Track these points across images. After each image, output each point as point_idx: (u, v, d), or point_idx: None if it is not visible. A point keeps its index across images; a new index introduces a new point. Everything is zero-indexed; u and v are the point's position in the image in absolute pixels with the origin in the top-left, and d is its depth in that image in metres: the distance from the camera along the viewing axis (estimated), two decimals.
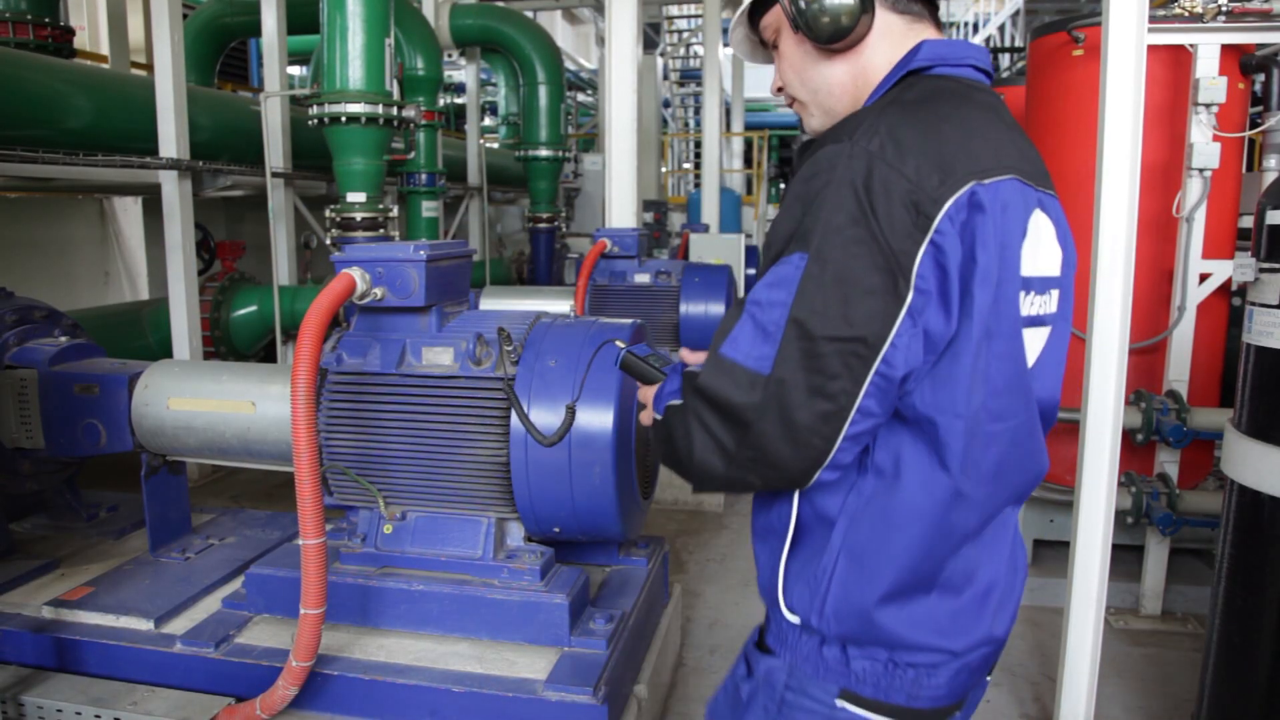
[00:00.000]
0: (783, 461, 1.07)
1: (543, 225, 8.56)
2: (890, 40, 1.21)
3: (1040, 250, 1.18)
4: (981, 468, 1.15)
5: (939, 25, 1.26)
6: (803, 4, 1.16)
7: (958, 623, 1.18)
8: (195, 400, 2.74)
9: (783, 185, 19.07)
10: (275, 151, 5.49)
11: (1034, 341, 1.21)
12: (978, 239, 1.07)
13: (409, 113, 4.74)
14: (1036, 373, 1.22)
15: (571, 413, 2.24)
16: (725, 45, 13.79)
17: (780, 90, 1.34)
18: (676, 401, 1.15)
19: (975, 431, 1.12)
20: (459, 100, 12.30)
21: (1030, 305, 1.18)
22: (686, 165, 20.23)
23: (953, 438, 1.11)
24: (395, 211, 4.93)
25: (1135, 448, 3.51)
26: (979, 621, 1.20)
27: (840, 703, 1.19)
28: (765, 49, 1.37)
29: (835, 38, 1.17)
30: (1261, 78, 3.64)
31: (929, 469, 1.13)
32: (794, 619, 1.20)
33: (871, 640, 1.17)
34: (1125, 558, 3.64)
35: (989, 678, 1.32)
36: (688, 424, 1.12)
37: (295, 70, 10.42)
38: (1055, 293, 1.24)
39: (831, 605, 1.17)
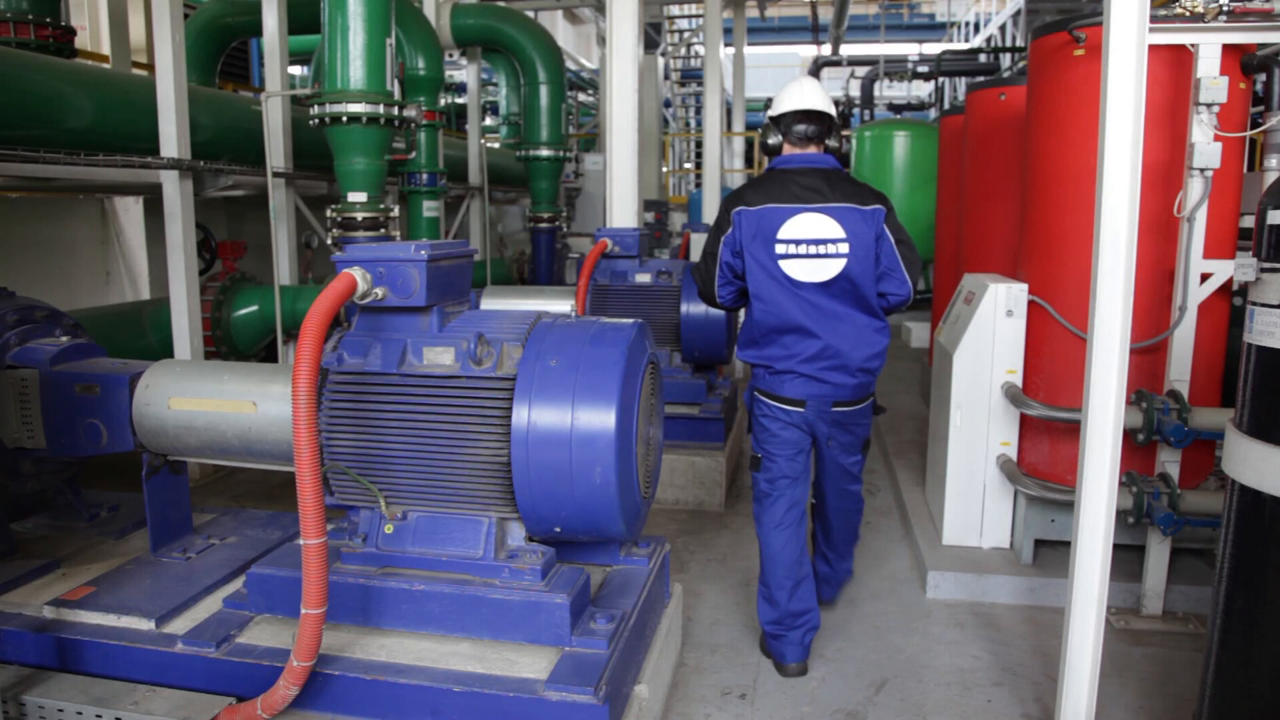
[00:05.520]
0: (706, 294, 3.25)
1: (544, 225, 8.56)
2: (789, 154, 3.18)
3: (801, 227, 2.96)
4: (764, 303, 3.04)
5: (825, 146, 3.14)
6: (761, 142, 3.17)
7: (785, 355, 3.04)
8: (196, 400, 2.75)
9: None
10: (276, 151, 5.49)
11: (810, 265, 2.97)
12: (743, 228, 3.04)
13: (410, 112, 4.75)
14: (843, 274, 2.98)
15: None
16: (726, 45, 13.82)
17: None
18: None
19: (757, 294, 3.05)
20: (460, 100, 12.32)
21: (793, 249, 2.97)
22: (687, 165, 20.25)
23: (756, 297, 3.06)
24: (396, 211, 4.93)
25: (1136, 447, 3.51)
26: (791, 360, 3.03)
27: (757, 395, 3.14)
28: None
29: (772, 153, 3.16)
30: (1263, 77, 3.64)
31: (753, 301, 3.08)
32: (743, 356, 3.17)
33: (757, 362, 3.12)
34: (1126, 558, 3.64)
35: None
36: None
37: (296, 70, 10.43)
38: (844, 245, 2.96)
39: (747, 350, 3.16)
